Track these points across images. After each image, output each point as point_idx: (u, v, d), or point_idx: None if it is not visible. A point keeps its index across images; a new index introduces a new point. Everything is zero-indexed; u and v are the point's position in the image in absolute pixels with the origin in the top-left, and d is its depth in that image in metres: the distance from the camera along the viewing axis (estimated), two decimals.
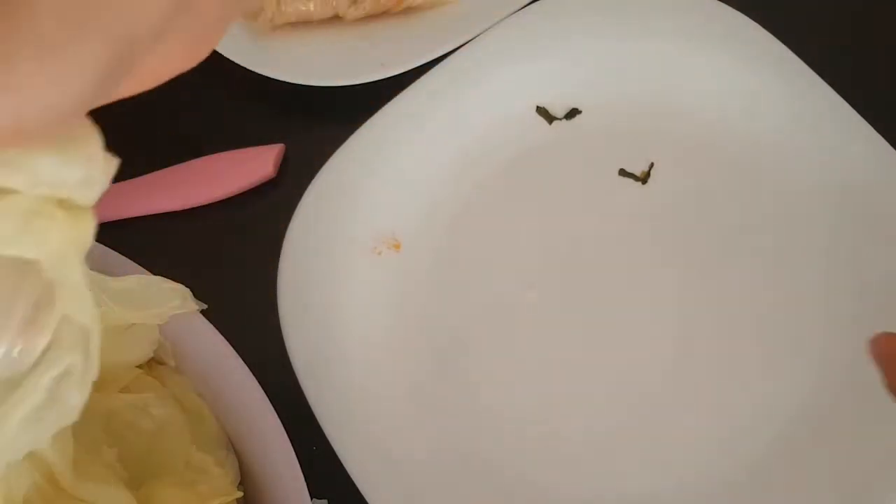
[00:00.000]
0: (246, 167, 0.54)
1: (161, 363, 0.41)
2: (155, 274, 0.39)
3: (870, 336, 0.48)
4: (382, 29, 0.57)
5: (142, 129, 0.57)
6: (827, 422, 0.46)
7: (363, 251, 0.51)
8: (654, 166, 0.53)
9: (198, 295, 0.39)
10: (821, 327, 0.48)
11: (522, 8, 0.54)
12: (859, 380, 0.44)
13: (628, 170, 0.53)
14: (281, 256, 0.49)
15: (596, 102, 0.54)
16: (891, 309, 0.48)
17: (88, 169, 0.21)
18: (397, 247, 0.51)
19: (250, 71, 0.54)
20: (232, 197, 0.54)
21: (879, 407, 0.39)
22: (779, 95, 0.52)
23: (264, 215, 0.53)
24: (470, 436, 0.47)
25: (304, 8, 0.55)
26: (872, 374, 0.44)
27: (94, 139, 0.22)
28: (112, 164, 0.22)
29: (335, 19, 0.57)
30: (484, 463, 0.47)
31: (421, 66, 0.54)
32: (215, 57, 0.54)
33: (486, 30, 0.54)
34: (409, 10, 0.57)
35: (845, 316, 0.49)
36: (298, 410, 0.45)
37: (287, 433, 0.37)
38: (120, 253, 0.40)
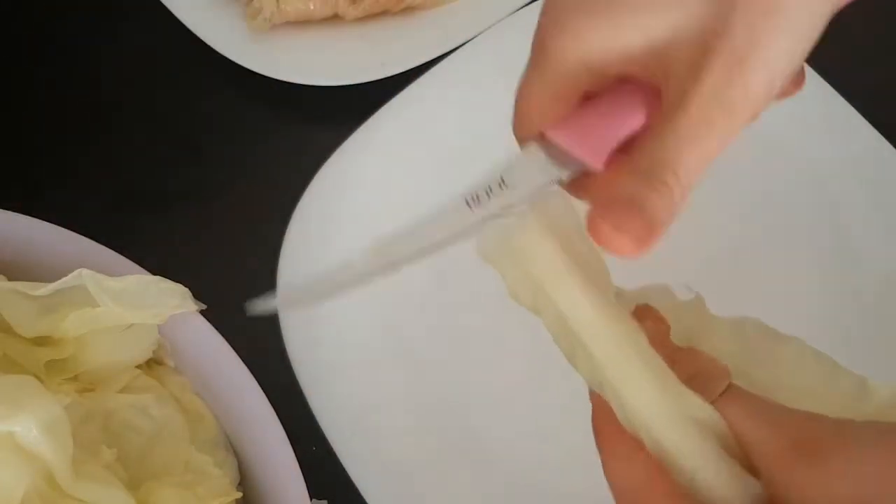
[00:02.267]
0: None
1: (160, 363, 0.41)
2: (154, 274, 0.39)
3: (869, 336, 0.48)
4: (382, 28, 0.57)
5: (141, 129, 0.57)
6: None
7: (363, 252, 0.51)
8: None
9: (197, 295, 0.39)
10: (820, 327, 0.48)
11: (522, 7, 0.54)
12: None
13: None
14: (280, 256, 0.48)
15: None
16: (891, 309, 0.48)
17: None
18: None
19: (250, 70, 0.54)
20: (231, 196, 0.54)
21: None
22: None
23: (264, 215, 0.53)
24: (470, 436, 0.47)
25: (303, 7, 0.55)
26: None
27: None
28: None
29: (334, 18, 0.57)
30: (483, 464, 0.47)
31: (420, 65, 0.53)
32: (215, 57, 0.54)
33: (486, 29, 0.53)
34: (408, 10, 0.57)
35: (845, 316, 0.49)
36: (298, 411, 0.45)
37: (286, 433, 0.37)
38: (119, 253, 0.40)
